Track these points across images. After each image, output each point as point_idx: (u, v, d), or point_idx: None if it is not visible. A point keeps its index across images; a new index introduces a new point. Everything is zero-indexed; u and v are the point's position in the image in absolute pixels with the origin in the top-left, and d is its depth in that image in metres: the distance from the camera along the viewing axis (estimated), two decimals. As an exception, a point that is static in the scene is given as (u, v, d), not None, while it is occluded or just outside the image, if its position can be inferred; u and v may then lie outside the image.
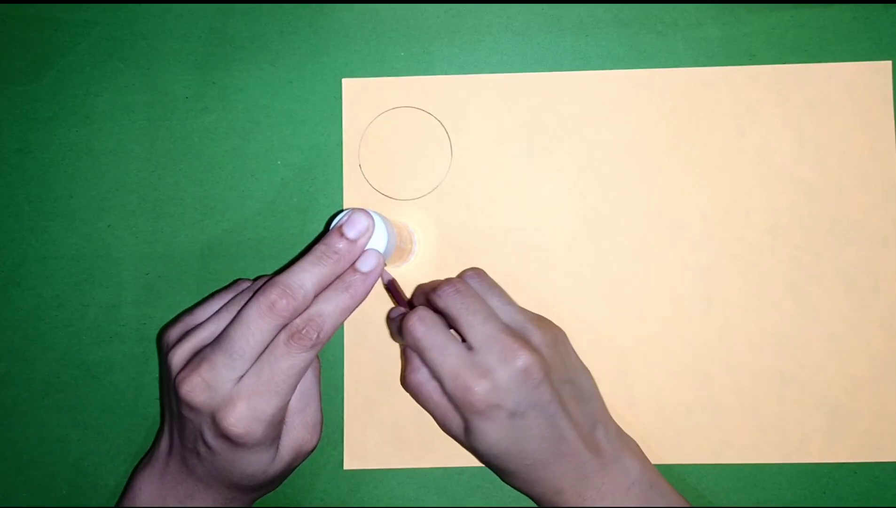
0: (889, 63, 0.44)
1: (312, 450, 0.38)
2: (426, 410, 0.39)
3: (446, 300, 0.38)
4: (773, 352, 0.43)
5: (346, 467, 0.44)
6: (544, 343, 0.38)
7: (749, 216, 0.44)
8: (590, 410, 0.39)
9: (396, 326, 0.40)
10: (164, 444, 0.39)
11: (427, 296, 0.39)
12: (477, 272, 0.41)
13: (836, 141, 0.44)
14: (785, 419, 0.43)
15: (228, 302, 0.38)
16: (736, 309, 0.44)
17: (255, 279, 0.40)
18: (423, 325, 0.37)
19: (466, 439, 0.38)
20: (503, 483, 0.44)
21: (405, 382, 0.39)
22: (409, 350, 0.39)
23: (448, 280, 0.39)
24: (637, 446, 0.41)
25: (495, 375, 0.36)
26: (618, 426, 0.41)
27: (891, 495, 0.43)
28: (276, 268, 0.45)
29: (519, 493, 0.44)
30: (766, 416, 0.43)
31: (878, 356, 0.43)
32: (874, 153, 0.44)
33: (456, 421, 0.38)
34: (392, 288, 0.40)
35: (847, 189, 0.44)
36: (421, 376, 0.38)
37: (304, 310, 0.34)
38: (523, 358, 0.36)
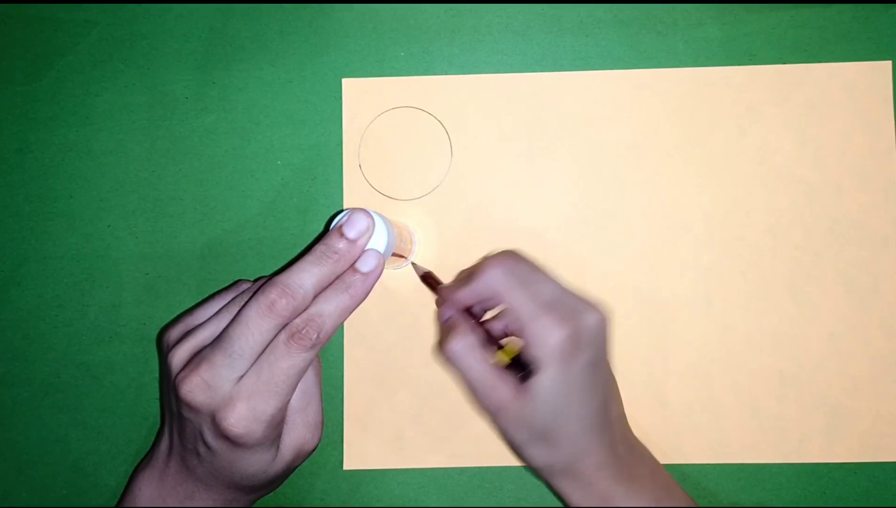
0: (889, 63, 0.44)
1: (313, 450, 0.38)
2: (465, 381, 0.38)
3: (489, 278, 0.37)
4: (773, 352, 0.43)
5: (346, 467, 0.44)
6: (592, 327, 0.38)
7: (749, 216, 0.44)
8: (622, 418, 0.40)
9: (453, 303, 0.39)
10: (163, 445, 0.39)
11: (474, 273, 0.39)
12: (511, 253, 0.40)
13: (836, 141, 0.44)
14: (785, 419, 0.43)
15: (229, 303, 0.38)
16: (736, 309, 0.44)
17: (256, 280, 0.40)
18: (503, 272, 0.37)
19: (516, 405, 0.36)
20: (503, 484, 0.44)
21: (447, 349, 0.37)
22: (457, 317, 0.38)
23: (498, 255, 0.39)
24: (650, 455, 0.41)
25: (582, 317, 0.36)
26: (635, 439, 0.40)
27: (891, 495, 0.43)
28: (276, 268, 0.45)
29: (518, 494, 0.44)
30: (766, 416, 0.43)
31: (878, 356, 0.43)
32: (874, 153, 0.44)
33: (504, 390, 0.37)
34: (428, 280, 0.40)
35: (847, 189, 0.44)
36: (466, 343, 0.37)
37: (304, 310, 0.34)
38: (601, 310, 0.37)
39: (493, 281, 0.37)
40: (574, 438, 0.36)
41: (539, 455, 0.37)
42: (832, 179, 0.44)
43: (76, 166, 0.46)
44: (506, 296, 0.37)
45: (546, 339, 0.35)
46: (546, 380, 0.36)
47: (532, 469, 0.39)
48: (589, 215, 0.45)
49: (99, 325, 0.45)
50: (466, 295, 0.38)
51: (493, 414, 0.37)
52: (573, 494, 0.38)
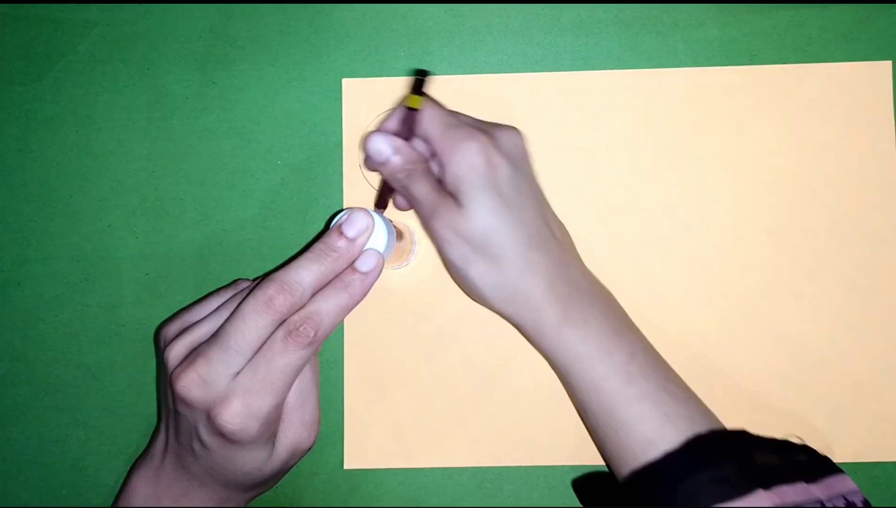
0: (889, 63, 0.44)
1: (309, 449, 0.38)
2: (413, 201, 0.39)
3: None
4: (773, 352, 0.43)
5: (346, 467, 0.44)
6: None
7: (749, 216, 0.44)
8: (567, 240, 0.40)
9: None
10: (159, 442, 0.39)
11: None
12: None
13: (836, 141, 0.44)
14: (785, 419, 0.43)
15: (227, 300, 0.38)
16: (736, 309, 0.44)
17: (255, 279, 0.40)
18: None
19: (459, 216, 0.37)
20: (503, 484, 0.44)
21: (394, 163, 0.38)
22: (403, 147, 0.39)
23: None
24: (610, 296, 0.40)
25: (496, 132, 0.38)
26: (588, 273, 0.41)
27: (891, 495, 0.43)
28: (276, 268, 0.45)
29: (518, 494, 0.43)
30: (767, 416, 0.43)
31: (878, 356, 0.43)
32: (874, 153, 0.44)
33: (449, 200, 0.37)
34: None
35: (847, 189, 0.44)
36: (414, 162, 0.38)
37: (302, 307, 0.34)
38: (515, 128, 0.39)
39: (426, 123, 0.39)
40: (516, 250, 0.37)
41: (484, 274, 0.38)
42: (832, 179, 0.44)
43: (76, 166, 0.46)
44: (430, 127, 0.38)
45: (465, 152, 0.37)
46: (472, 187, 0.37)
47: (485, 300, 0.39)
48: (588, 214, 0.45)
49: (99, 325, 0.45)
50: (405, 131, 0.39)
51: (437, 233, 0.38)
52: (525, 318, 0.38)
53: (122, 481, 0.44)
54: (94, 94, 0.46)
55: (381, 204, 0.41)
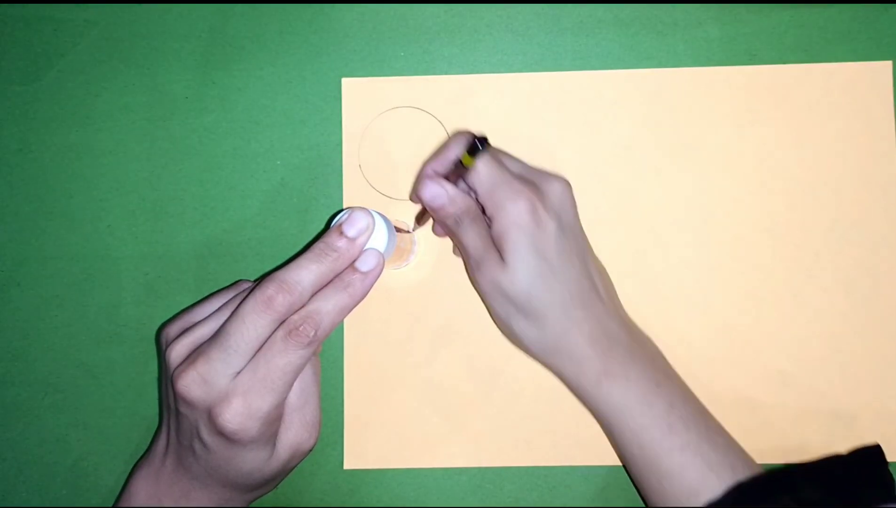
0: (889, 63, 0.44)
1: (310, 450, 0.38)
2: (461, 247, 0.39)
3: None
4: (773, 352, 0.43)
5: (346, 467, 0.44)
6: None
7: (749, 216, 0.44)
8: (611, 289, 0.41)
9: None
10: (161, 442, 0.39)
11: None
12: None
13: (836, 141, 0.44)
14: (785, 419, 0.43)
15: (229, 300, 0.38)
16: (735, 309, 0.44)
17: (257, 280, 0.40)
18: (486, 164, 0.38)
19: (503, 273, 0.37)
20: (503, 484, 0.44)
21: (451, 213, 0.38)
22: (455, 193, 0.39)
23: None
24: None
25: (543, 186, 0.38)
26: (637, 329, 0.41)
27: (891, 495, 0.43)
28: (277, 268, 0.45)
29: (518, 494, 0.43)
30: (766, 416, 0.43)
31: (878, 357, 0.43)
32: (874, 153, 0.44)
33: (495, 255, 0.38)
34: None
35: (847, 189, 0.44)
36: (469, 211, 0.38)
37: (302, 307, 0.34)
38: (563, 179, 0.39)
39: (477, 176, 0.38)
40: (558, 308, 0.37)
41: (526, 329, 0.38)
42: (832, 179, 0.44)
43: (76, 166, 0.46)
44: (479, 182, 0.38)
45: (511, 210, 0.37)
46: (516, 247, 0.37)
47: (527, 351, 0.39)
48: (588, 214, 0.44)
49: (99, 325, 0.45)
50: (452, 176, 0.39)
51: (481, 286, 0.39)
52: (567, 372, 0.38)
53: (122, 481, 0.44)
54: (94, 94, 0.46)
55: (420, 221, 0.42)
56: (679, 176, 0.44)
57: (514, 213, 0.37)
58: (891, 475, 0.37)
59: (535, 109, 0.45)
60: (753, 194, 0.44)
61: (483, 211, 0.39)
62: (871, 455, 0.38)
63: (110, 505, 0.44)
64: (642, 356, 0.39)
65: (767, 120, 0.44)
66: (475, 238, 0.38)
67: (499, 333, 0.44)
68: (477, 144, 0.36)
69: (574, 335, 0.38)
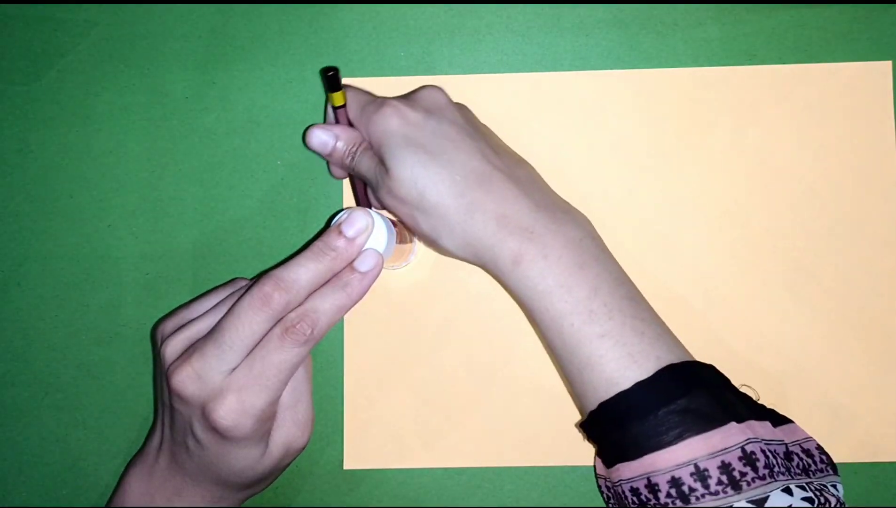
0: (889, 63, 0.44)
1: (302, 448, 0.38)
2: (366, 183, 0.40)
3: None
4: (773, 352, 0.43)
5: (345, 467, 0.44)
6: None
7: (749, 216, 0.44)
8: (524, 173, 0.39)
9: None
10: (155, 439, 0.39)
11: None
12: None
13: (836, 141, 0.44)
14: (785, 420, 0.43)
15: (225, 298, 0.38)
16: (736, 309, 0.44)
17: (254, 278, 0.40)
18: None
19: (390, 180, 0.37)
20: (503, 484, 0.44)
21: (346, 151, 0.40)
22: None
23: None
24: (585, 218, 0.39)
25: (411, 94, 0.39)
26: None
27: (891, 495, 0.43)
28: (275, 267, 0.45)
29: (518, 494, 0.43)
30: (766, 416, 0.43)
31: (878, 356, 0.43)
32: (874, 153, 0.44)
33: (382, 169, 0.38)
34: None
35: (847, 189, 0.44)
36: (353, 134, 0.40)
37: (299, 305, 0.34)
38: (433, 86, 0.39)
39: (350, 112, 0.40)
40: (450, 193, 0.36)
41: (433, 227, 0.37)
42: (832, 179, 0.44)
43: (76, 166, 0.46)
44: (352, 113, 0.40)
45: (379, 118, 0.37)
46: (390, 148, 0.37)
47: (450, 253, 0.38)
48: (588, 214, 0.44)
49: (99, 325, 0.45)
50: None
51: (386, 205, 0.38)
52: (485, 260, 0.37)
53: (121, 481, 0.44)
54: (94, 94, 0.46)
55: (363, 203, 0.42)
56: (679, 176, 0.44)
57: (380, 121, 0.37)
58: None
59: (535, 109, 0.45)
60: (753, 193, 0.44)
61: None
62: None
63: (105, 504, 0.44)
64: (568, 233, 0.36)
65: (767, 120, 0.44)
66: (368, 165, 0.39)
67: (498, 332, 0.44)
68: (335, 78, 0.38)
69: (478, 217, 0.36)
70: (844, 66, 0.44)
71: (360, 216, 0.35)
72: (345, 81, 0.46)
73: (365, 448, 0.44)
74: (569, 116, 0.45)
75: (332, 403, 0.44)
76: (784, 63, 0.45)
